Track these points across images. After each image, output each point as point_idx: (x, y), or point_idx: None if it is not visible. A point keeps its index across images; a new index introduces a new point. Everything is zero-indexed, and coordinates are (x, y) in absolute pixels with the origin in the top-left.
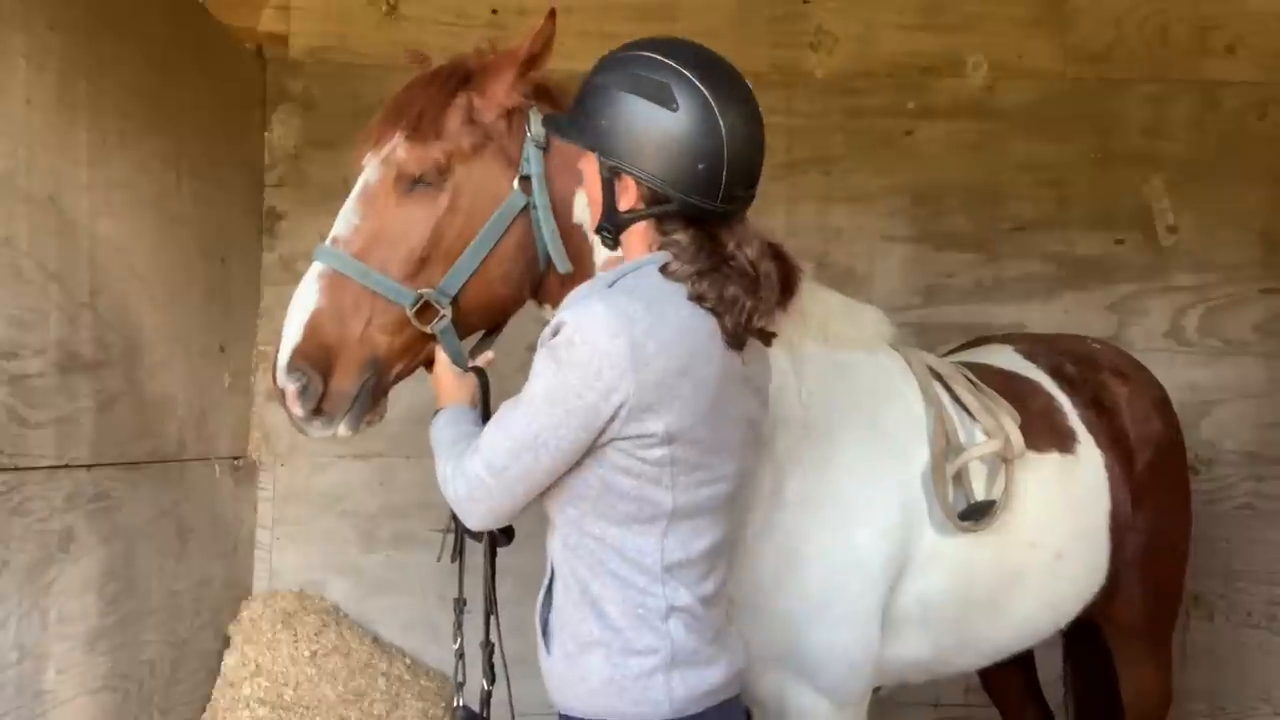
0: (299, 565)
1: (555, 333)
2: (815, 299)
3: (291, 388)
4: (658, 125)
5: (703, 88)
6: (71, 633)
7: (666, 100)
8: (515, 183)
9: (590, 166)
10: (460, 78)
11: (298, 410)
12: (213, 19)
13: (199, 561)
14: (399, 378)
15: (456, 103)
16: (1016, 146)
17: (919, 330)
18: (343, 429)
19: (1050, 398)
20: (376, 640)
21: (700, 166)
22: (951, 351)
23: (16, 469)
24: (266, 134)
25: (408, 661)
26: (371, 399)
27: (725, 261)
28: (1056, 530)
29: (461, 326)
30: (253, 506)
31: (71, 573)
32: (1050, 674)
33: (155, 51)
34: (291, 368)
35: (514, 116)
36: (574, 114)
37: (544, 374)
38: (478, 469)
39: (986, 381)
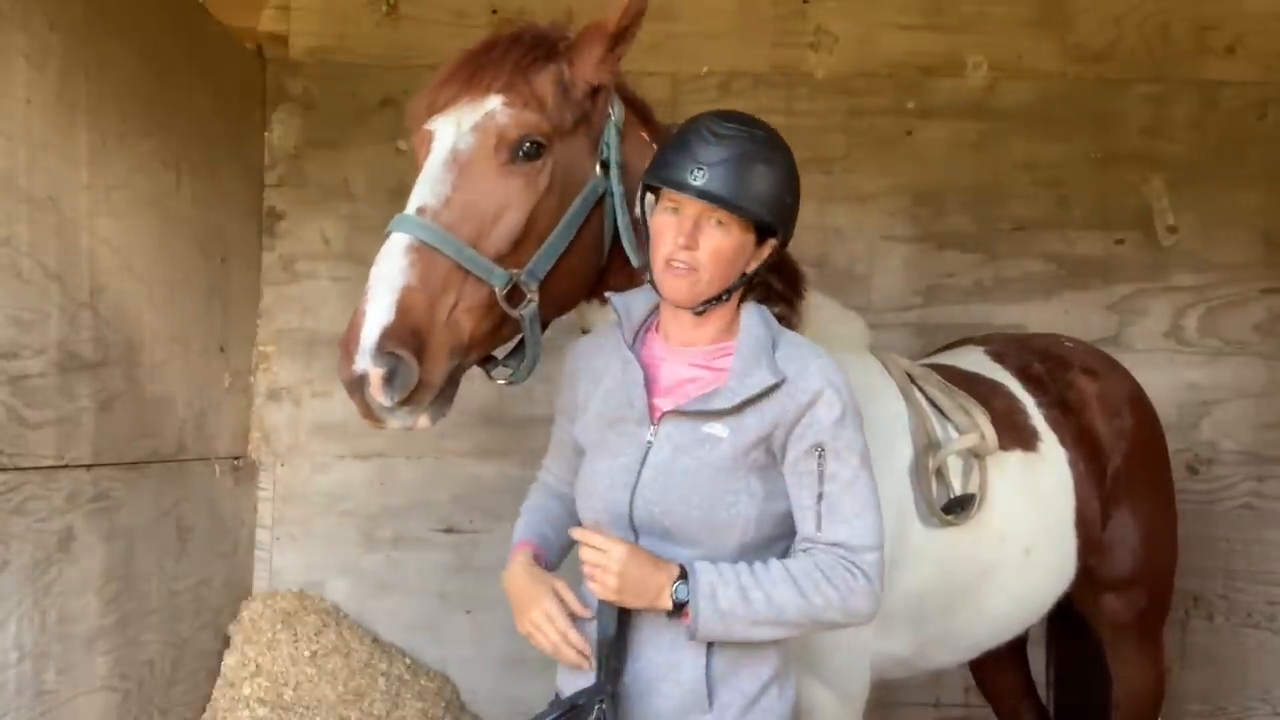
0: (299, 565)
1: (813, 400)
2: (816, 302)
3: (378, 372)
4: (796, 179)
5: (773, 130)
6: (71, 633)
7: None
8: (597, 166)
9: (743, 243)
10: (546, 46)
11: (384, 399)
12: (213, 19)
13: (199, 561)
14: (468, 367)
15: (548, 72)
16: (1016, 146)
17: (919, 330)
18: (424, 420)
19: (1012, 398)
20: (376, 640)
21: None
22: (931, 355)
23: (16, 469)
24: (266, 134)
25: (408, 661)
26: (452, 389)
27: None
28: (1024, 526)
29: (539, 315)
30: (253, 506)
31: (71, 573)
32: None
33: (155, 52)
34: (380, 350)
35: (599, 95)
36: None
37: (855, 444)
38: (871, 561)
39: (952, 383)
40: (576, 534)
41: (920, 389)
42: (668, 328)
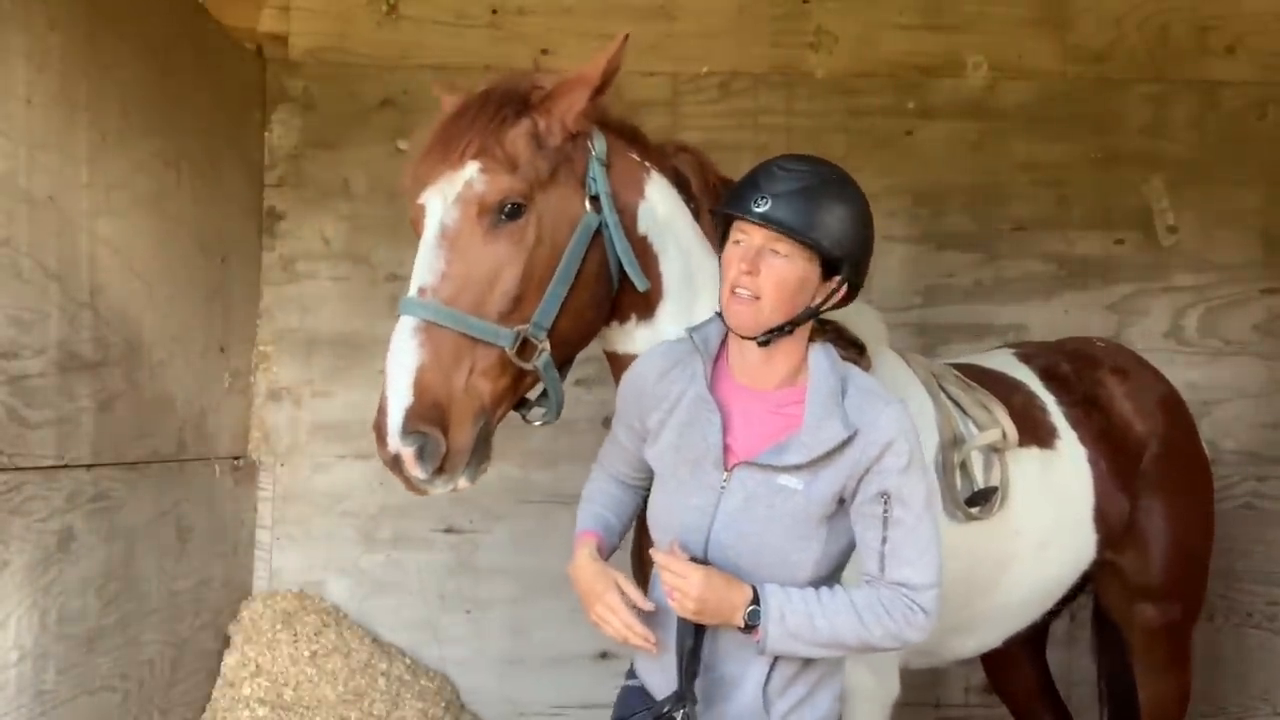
0: (299, 565)
1: (883, 451)
2: None
3: (409, 451)
4: (867, 222)
5: (845, 173)
6: (71, 633)
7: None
8: (586, 203)
9: (806, 275)
10: (517, 102)
11: (419, 473)
12: (213, 19)
13: (199, 561)
14: (501, 418)
15: (520, 129)
16: (1016, 146)
17: (919, 330)
18: (463, 482)
19: (1031, 395)
20: (376, 640)
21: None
22: (962, 358)
23: (16, 469)
24: (266, 134)
25: (408, 661)
26: (485, 446)
27: None
28: (1039, 520)
29: (555, 359)
30: (253, 506)
31: (71, 573)
32: (1057, 674)
33: (155, 51)
34: (407, 430)
35: (579, 137)
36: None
37: (919, 489)
38: (930, 597)
39: (970, 380)
40: (658, 558)
41: (940, 385)
42: (735, 362)
